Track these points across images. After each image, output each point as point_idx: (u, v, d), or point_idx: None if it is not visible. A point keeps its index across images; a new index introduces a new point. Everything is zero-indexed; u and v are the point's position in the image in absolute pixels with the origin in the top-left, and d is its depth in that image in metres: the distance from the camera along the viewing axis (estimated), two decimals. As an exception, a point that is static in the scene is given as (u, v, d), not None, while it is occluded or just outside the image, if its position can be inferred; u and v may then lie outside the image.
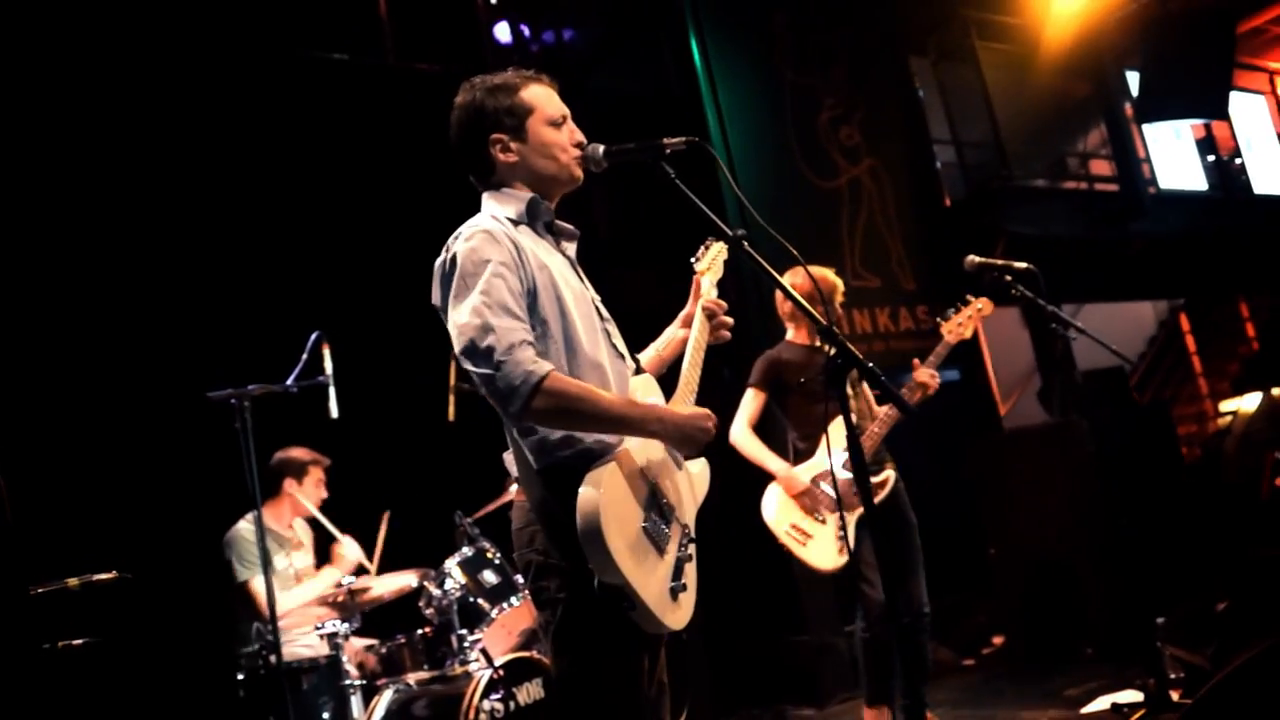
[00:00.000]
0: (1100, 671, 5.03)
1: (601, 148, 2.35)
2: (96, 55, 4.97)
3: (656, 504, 2.23)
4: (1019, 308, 9.82)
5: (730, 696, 5.79)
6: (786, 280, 4.28)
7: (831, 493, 4.05)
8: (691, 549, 2.31)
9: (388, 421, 4.80)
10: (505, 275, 2.16)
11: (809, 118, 7.11)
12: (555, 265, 2.29)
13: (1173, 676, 4.29)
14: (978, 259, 4.22)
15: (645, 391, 2.38)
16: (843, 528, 4.03)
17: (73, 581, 2.72)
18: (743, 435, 4.22)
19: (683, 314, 2.67)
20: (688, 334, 2.56)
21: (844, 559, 4.01)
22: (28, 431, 4.34)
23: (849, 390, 4.12)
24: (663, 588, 2.17)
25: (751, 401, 4.27)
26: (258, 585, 4.25)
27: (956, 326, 4.29)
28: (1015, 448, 6.21)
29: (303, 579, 4.53)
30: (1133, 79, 10.03)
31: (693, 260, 2.71)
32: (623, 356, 2.39)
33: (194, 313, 4.93)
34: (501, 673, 3.84)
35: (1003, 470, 6.04)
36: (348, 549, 4.49)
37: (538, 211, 2.34)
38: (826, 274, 4.30)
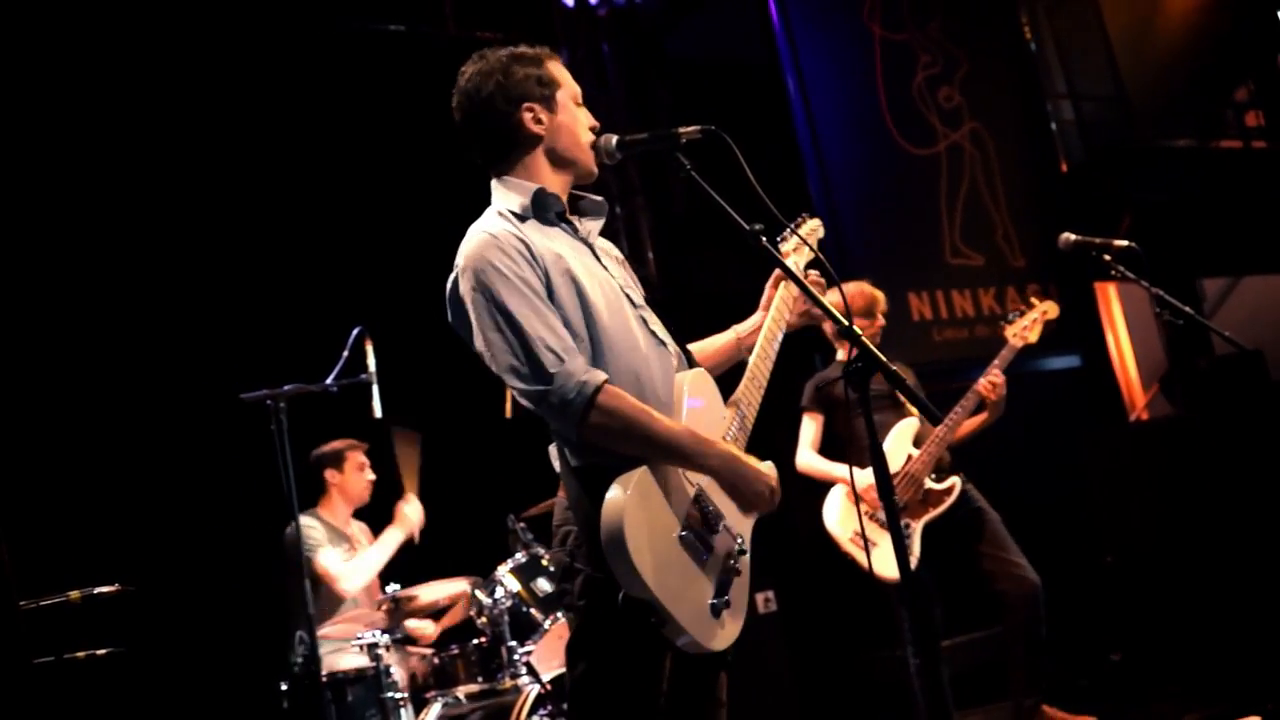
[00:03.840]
0: (1228, 694, 4.93)
1: (615, 138, 2.39)
2: (134, 33, 5.22)
3: (700, 512, 2.24)
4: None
5: (817, 717, 5.83)
6: (826, 300, 4.57)
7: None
8: (743, 563, 2.30)
9: (436, 420, 4.95)
10: (526, 277, 2.19)
11: (902, 79, 7.04)
12: (569, 255, 2.31)
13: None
14: (1073, 237, 4.20)
15: (694, 389, 2.35)
16: (907, 536, 4.25)
17: (74, 594, 2.93)
18: (805, 458, 4.60)
19: (765, 297, 2.59)
20: (737, 340, 2.58)
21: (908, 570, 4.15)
22: (62, 439, 4.64)
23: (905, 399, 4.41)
24: (701, 604, 2.18)
25: (808, 426, 4.65)
26: (323, 560, 4.50)
27: (1021, 330, 4.52)
28: (1137, 444, 6.08)
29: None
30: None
31: (778, 240, 2.58)
32: (664, 344, 2.38)
33: (226, 308, 5.14)
34: (549, 687, 3.97)
35: (1122, 468, 5.92)
36: (411, 509, 4.69)
37: (545, 203, 2.36)
38: (863, 287, 4.66)
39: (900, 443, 4.44)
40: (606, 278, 2.36)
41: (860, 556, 4.25)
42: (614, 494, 2.10)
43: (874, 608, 6.10)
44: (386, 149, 5.78)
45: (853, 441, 4.47)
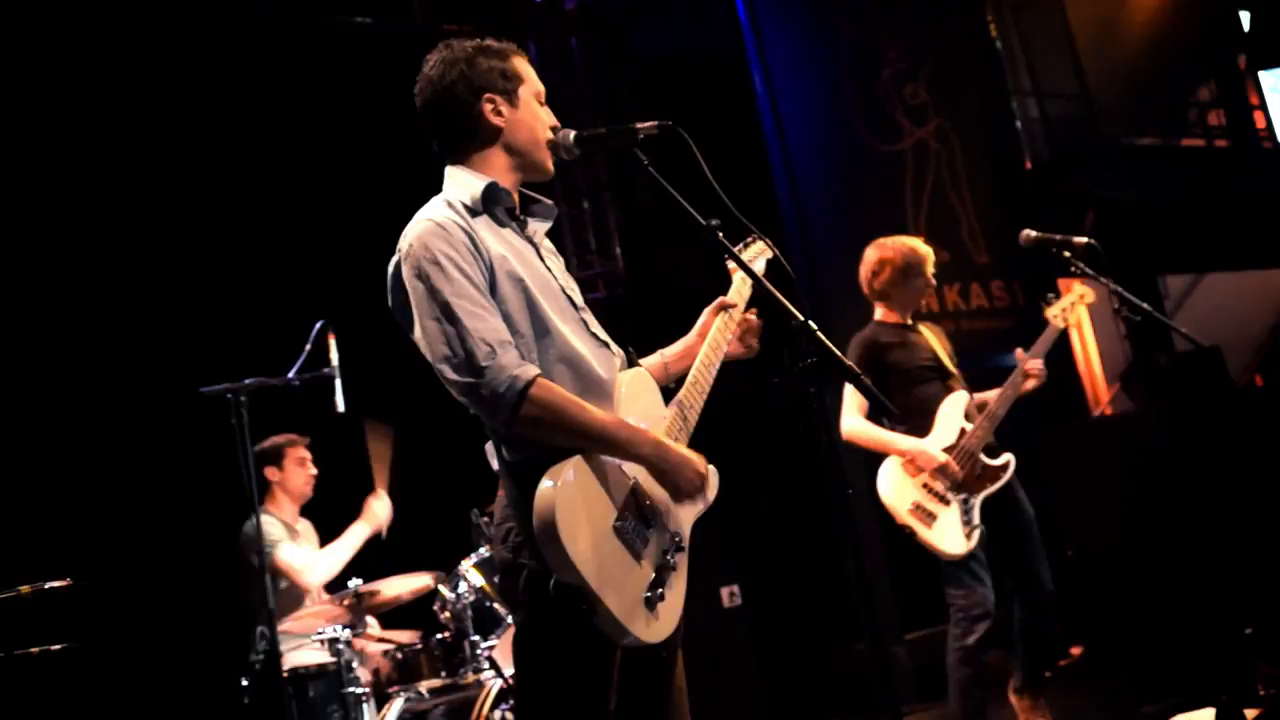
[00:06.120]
0: (1184, 687, 4.99)
1: (572, 134, 2.39)
2: (90, 30, 5.17)
3: (636, 505, 2.27)
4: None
5: (777, 709, 5.87)
6: (870, 254, 4.51)
7: (962, 470, 4.18)
8: (680, 559, 2.33)
9: (400, 414, 4.94)
10: (466, 269, 2.21)
11: (869, 75, 7.07)
12: (515, 252, 2.33)
13: (1262, 693, 4.26)
14: (1033, 234, 4.28)
15: (635, 389, 2.39)
16: (967, 510, 4.17)
17: (24, 589, 2.91)
18: (856, 424, 4.32)
19: (700, 322, 2.62)
20: (664, 366, 2.58)
21: (973, 544, 4.16)
22: (15, 431, 4.58)
23: (956, 373, 4.42)
24: (635, 595, 2.20)
25: (856, 391, 4.29)
26: (285, 554, 4.49)
27: (1061, 312, 4.40)
28: (1097, 439, 6.15)
29: None
30: (1246, 18, 9.74)
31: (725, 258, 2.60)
32: (606, 344, 2.41)
33: (187, 301, 5.11)
34: (512, 682, 3.97)
35: (1082, 464, 5.98)
36: (380, 504, 4.69)
37: (496, 198, 2.36)
38: (915, 245, 4.49)
39: (953, 417, 4.30)
40: (549, 278, 2.38)
41: (921, 529, 4.11)
42: (546, 481, 2.13)
43: (837, 601, 6.15)
44: (352, 142, 5.75)
45: (908, 409, 4.30)
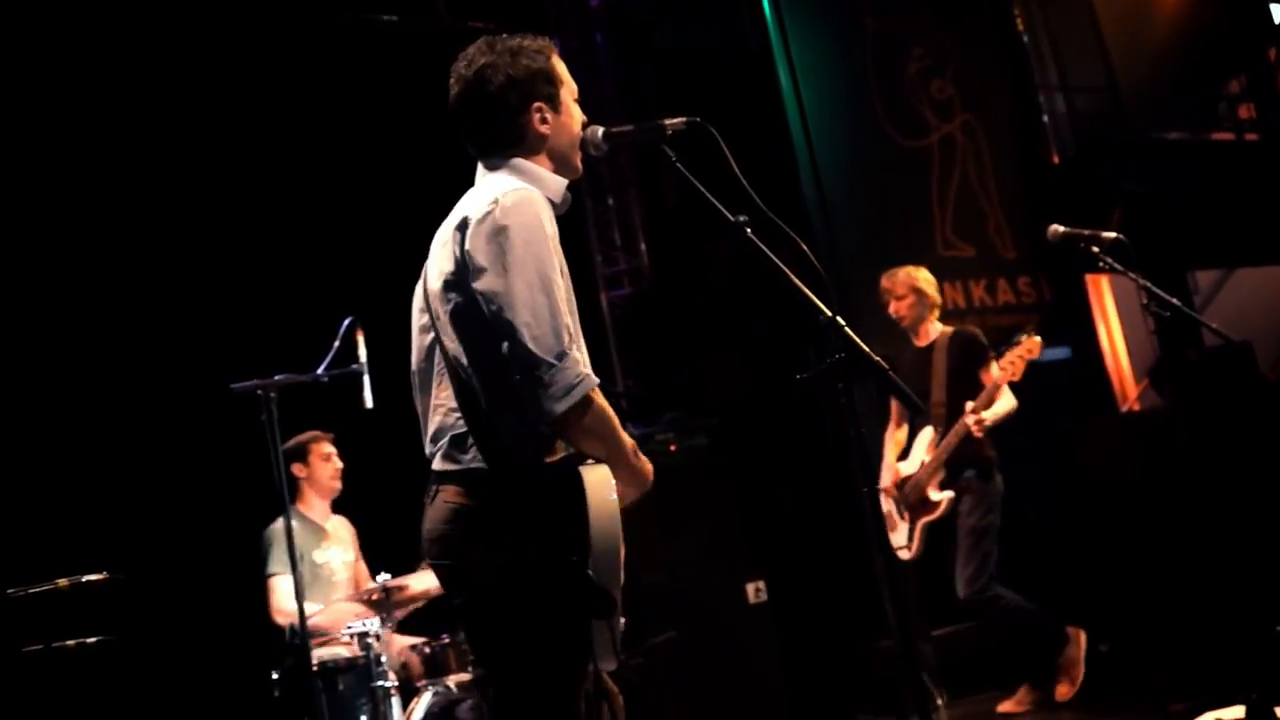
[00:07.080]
0: (1213, 684, 4.96)
1: (601, 130, 2.39)
2: (125, 26, 5.22)
3: None
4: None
5: (803, 705, 5.87)
6: (884, 283, 5.15)
7: (904, 497, 5.09)
8: None
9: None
10: (559, 254, 2.20)
11: (894, 70, 7.04)
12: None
13: (1293, 691, 4.23)
14: (1061, 229, 4.26)
15: None
16: (911, 529, 5.06)
17: (62, 582, 2.94)
18: (886, 435, 5.32)
19: None
20: None
21: (907, 557, 5.10)
22: (53, 427, 4.65)
23: (940, 401, 4.94)
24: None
25: (894, 402, 5.30)
26: (276, 583, 4.51)
27: (1008, 365, 4.85)
28: (1125, 435, 6.12)
29: (338, 575, 4.76)
30: (1276, 11, 9.65)
31: None
32: None
33: (218, 298, 5.17)
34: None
35: (1110, 460, 5.95)
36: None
37: (566, 201, 2.37)
38: (919, 275, 5.15)
39: (919, 450, 5.10)
40: None
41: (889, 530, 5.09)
42: (603, 477, 2.12)
43: (864, 597, 6.13)
44: (379, 140, 5.79)
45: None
